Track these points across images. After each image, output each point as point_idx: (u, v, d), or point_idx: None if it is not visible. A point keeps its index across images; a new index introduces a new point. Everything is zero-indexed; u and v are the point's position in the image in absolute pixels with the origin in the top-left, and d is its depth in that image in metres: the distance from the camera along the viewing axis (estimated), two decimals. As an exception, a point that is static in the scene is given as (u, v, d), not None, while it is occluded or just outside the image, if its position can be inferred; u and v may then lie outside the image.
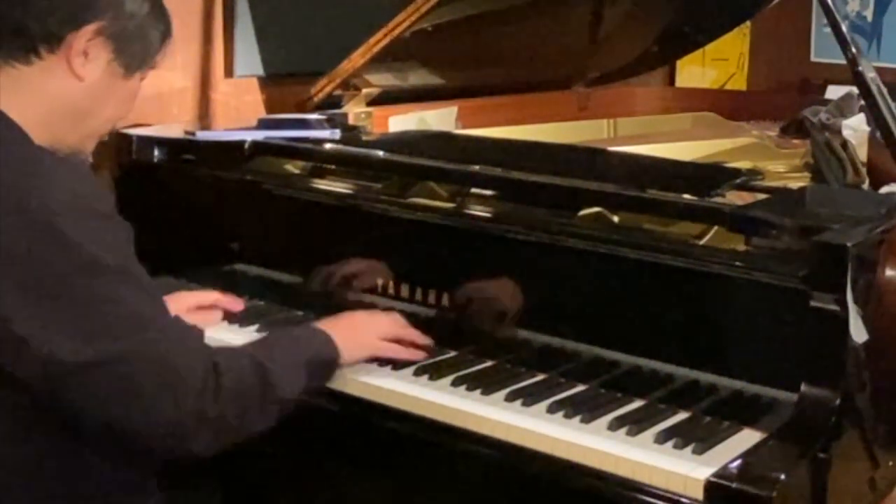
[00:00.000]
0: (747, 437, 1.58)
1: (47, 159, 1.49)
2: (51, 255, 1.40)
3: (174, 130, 2.35)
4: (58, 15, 1.49)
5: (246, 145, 2.21)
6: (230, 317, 2.01)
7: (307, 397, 1.67)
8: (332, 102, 2.45)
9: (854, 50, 1.96)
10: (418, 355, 1.83)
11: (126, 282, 1.45)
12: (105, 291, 1.43)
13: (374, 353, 1.80)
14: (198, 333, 1.60)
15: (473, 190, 1.95)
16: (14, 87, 1.50)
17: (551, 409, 1.66)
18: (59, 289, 1.41)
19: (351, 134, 2.33)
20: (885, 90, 1.98)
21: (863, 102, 2.03)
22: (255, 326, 1.98)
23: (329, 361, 1.73)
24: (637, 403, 1.69)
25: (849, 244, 1.52)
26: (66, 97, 1.53)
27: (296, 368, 1.64)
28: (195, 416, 1.46)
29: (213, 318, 1.98)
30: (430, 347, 1.86)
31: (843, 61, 1.98)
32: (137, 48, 1.56)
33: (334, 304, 2.03)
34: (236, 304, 2.03)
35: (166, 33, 1.61)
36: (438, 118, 2.55)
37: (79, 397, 1.43)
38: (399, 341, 1.83)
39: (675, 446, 1.55)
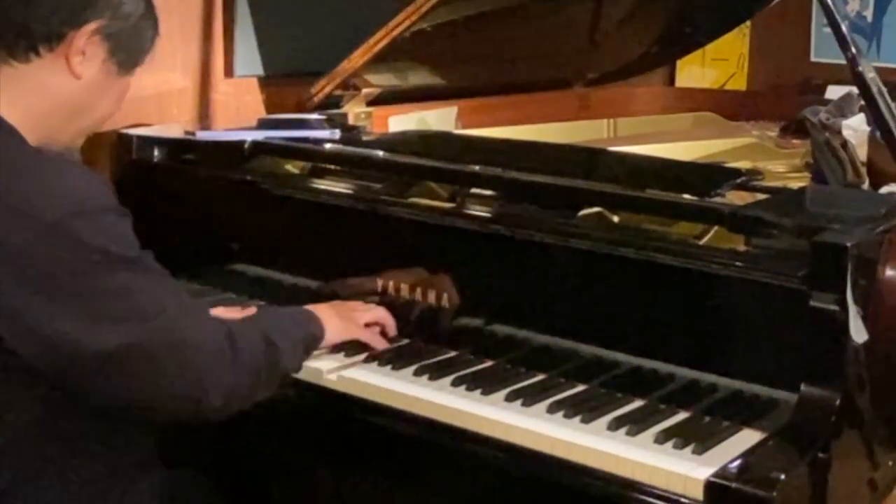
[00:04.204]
0: (747, 437, 1.57)
1: (44, 161, 1.50)
2: (65, 256, 1.42)
3: (174, 130, 2.35)
4: (60, 13, 1.51)
5: (246, 145, 2.21)
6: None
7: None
8: (332, 102, 2.45)
9: (854, 50, 1.96)
10: (386, 344, 1.88)
11: (139, 270, 1.49)
12: (121, 283, 1.46)
13: (353, 336, 1.85)
14: (207, 306, 1.70)
15: (473, 190, 1.95)
16: (11, 84, 1.51)
17: (551, 409, 1.66)
18: (76, 285, 1.43)
19: (351, 134, 2.33)
20: (885, 90, 1.97)
21: (863, 102, 2.03)
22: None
23: (318, 339, 1.79)
24: (637, 403, 1.69)
25: (849, 244, 1.52)
26: (63, 95, 1.54)
27: (295, 344, 1.71)
28: (214, 384, 1.52)
29: None
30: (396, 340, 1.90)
31: (843, 61, 1.98)
32: (131, 48, 1.60)
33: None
34: None
35: (156, 33, 1.64)
36: (438, 118, 2.55)
37: (103, 384, 1.47)
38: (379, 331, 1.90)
39: (675, 446, 1.55)
